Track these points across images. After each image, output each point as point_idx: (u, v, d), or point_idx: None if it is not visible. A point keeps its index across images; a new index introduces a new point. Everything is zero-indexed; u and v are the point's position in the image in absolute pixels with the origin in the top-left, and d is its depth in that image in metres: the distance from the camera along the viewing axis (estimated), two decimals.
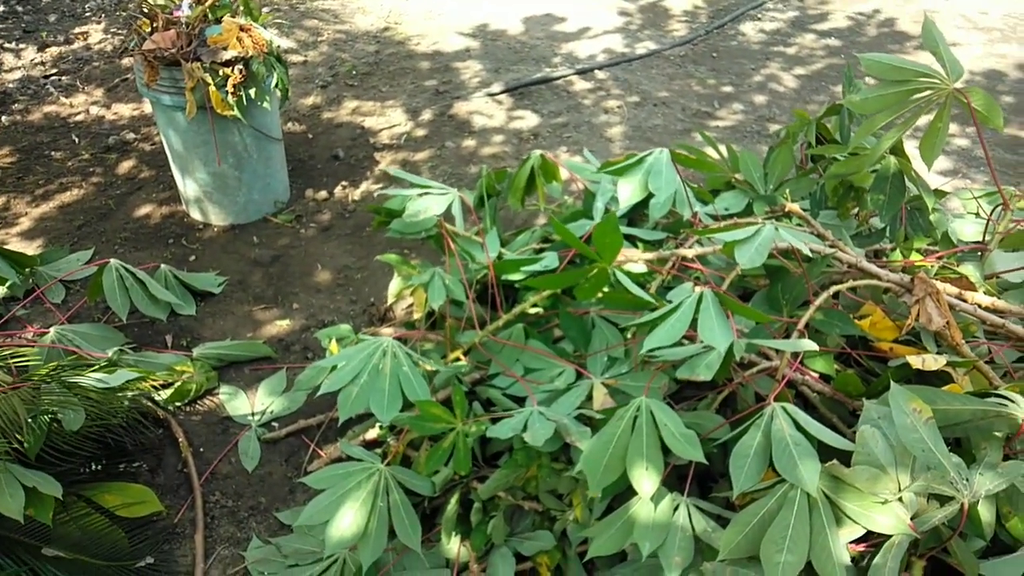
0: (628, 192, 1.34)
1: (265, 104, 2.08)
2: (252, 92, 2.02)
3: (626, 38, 3.51)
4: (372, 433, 1.55)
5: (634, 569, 1.19)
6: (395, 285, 1.82)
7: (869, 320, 1.27)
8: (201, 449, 1.64)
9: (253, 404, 1.73)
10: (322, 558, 1.39)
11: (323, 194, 2.44)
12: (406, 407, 1.30)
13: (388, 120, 2.88)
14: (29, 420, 1.26)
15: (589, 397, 1.34)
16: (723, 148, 1.74)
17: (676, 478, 1.22)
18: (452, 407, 1.26)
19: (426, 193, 1.38)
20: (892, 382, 0.98)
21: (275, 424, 1.69)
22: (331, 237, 2.27)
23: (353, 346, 1.30)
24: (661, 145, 2.62)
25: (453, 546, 1.37)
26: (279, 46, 2.07)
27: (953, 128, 2.75)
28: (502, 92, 3.03)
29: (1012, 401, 1.01)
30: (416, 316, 1.82)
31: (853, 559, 1.01)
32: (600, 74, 3.18)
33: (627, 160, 1.36)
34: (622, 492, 1.21)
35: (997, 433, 1.03)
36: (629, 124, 2.82)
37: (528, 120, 2.86)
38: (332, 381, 1.24)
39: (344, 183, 2.51)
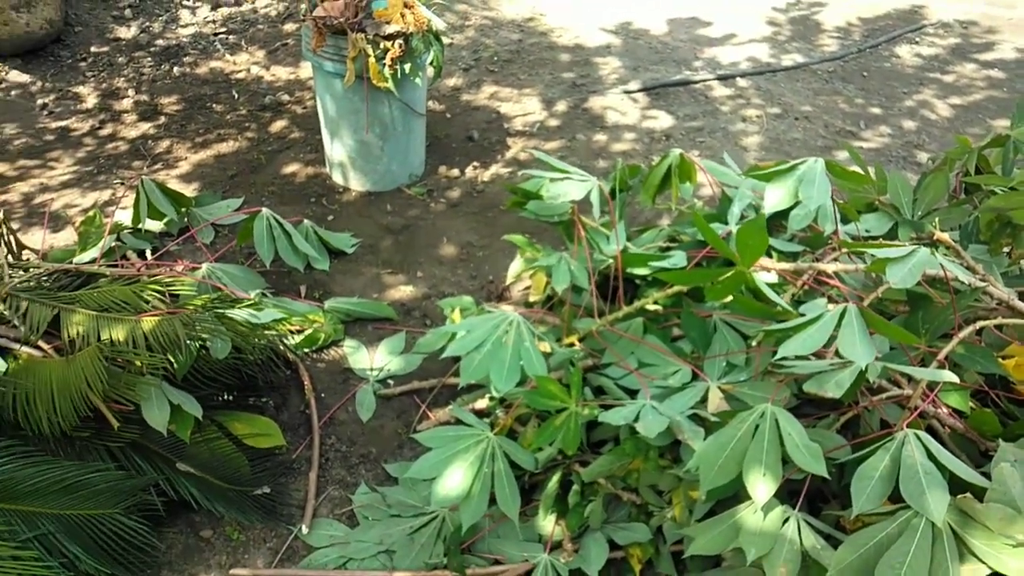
0: (776, 198, 1.32)
1: (417, 80, 2.17)
2: (407, 67, 2.12)
3: (772, 48, 3.41)
4: (481, 403, 1.60)
5: (730, 574, 1.18)
6: (516, 266, 1.87)
7: (1014, 361, 1.21)
8: (323, 395, 1.75)
9: (373, 360, 1.82)
10: (423, 512, 1.46)
11: (455, 172, 2.53)
12: (522, 382, 1.35)
13: (523, 107, 2.93)
14: (186, 343, 1.38)
15: (703, 400, 1.34)
16: (871, 169, 1.69)
17: (787, 493, 1.20)
18: (567, 387, 1.29)
19: (566, 178, 1.41)
20: None
21: (391, 382, 1.78)
22: (458, 213, 2.35)
23: (478, 316, 1.35)
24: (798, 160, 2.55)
25: (548, 523, 1.40)
26: (439, 27, 2.16)
27: None
28: (639, 91, 3.03)
29: None
30: (533, 299, 1.86)
31: None
32: (742, 82, 3.11)
33: (777, 166, 1.34)
34: (725, 498, 1.21)
35: None
36: (767, 135, 2.76)
37: (662, 120, 2.85)
38: (457, 346, 1.30)
39: (476, 163, 2.59)
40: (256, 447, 1.57)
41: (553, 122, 2.84)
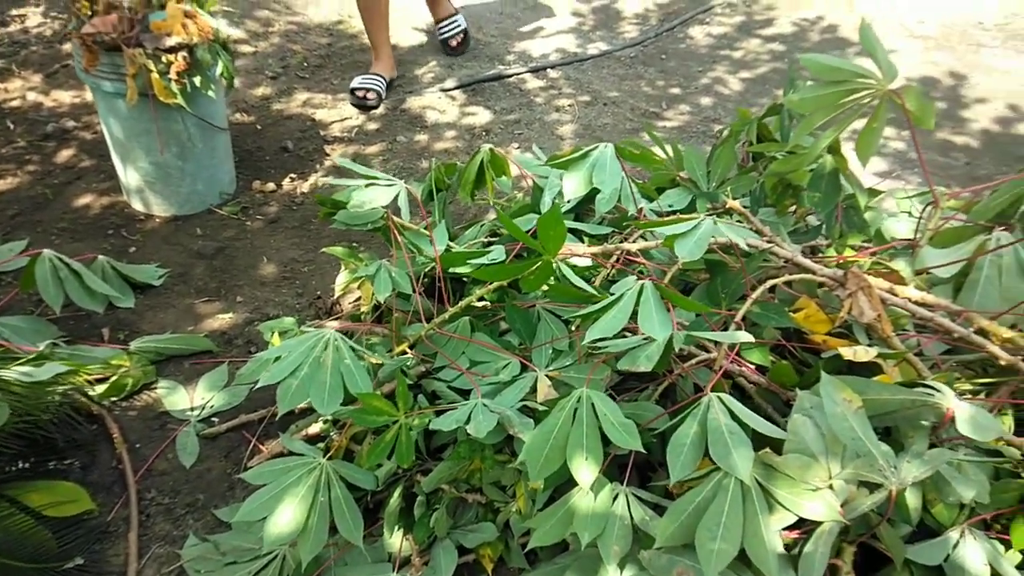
0: (573, 186, 1.35)
1: (210, 93, 2.03)
2: (197, 80, 1.98)
3: (579, 38, 3.53)
4: (315, 428, 1.53)
5: (575, 559, 1.19)
6: (342, 278, 1.80)
7: (804, 313, 1.31)
8: (137, 445, 1.59)
9: (193, 399, 1.68)
10: (260, 555, 1.36)
11: (271, 186, 2.40)
12: (349, 401, 1.29)
13: (340, 113, 2.84)
14: None
15: (534, 389, 1.35)
16: (669, 147, 1.77)
17: (617, 468, 1.23)
18: (395, 400, 1.25)
19: (372, 184, 1.36)
20: (823, 373, 1.00)
21: (215, 419, 1.66)
22: (278, 230, 2.23)
23: (294, 338, 1.28)
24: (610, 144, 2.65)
25: (396, 540, 1.36)
26: (228, 35, 2.02)
27: (890, 132, 2.84)
28: (456, 88, 3.02)
29: (938, 391, 1.05)
30: (364, 310, 1.80)
31: (786, 546, 1.03)
32: (552, 73, 3.19)
33: (573, 154, 1.37)
34: (564, 483, 1.22)
35: (924, 422, 1.07)
36: (580, 122, 2.84)
37: (480, 116, 2.86)
38: (272, 374, 1.22)
39: (292, 175, 2.47)
40: (61, 516, 1.40)
41: (372, 125, 2.78)
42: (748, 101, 3.06)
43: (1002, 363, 1.25)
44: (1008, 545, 1.16)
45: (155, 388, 1.70)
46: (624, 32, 3.63)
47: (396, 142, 2.68)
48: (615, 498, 1.12)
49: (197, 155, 2.16)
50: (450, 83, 3.04)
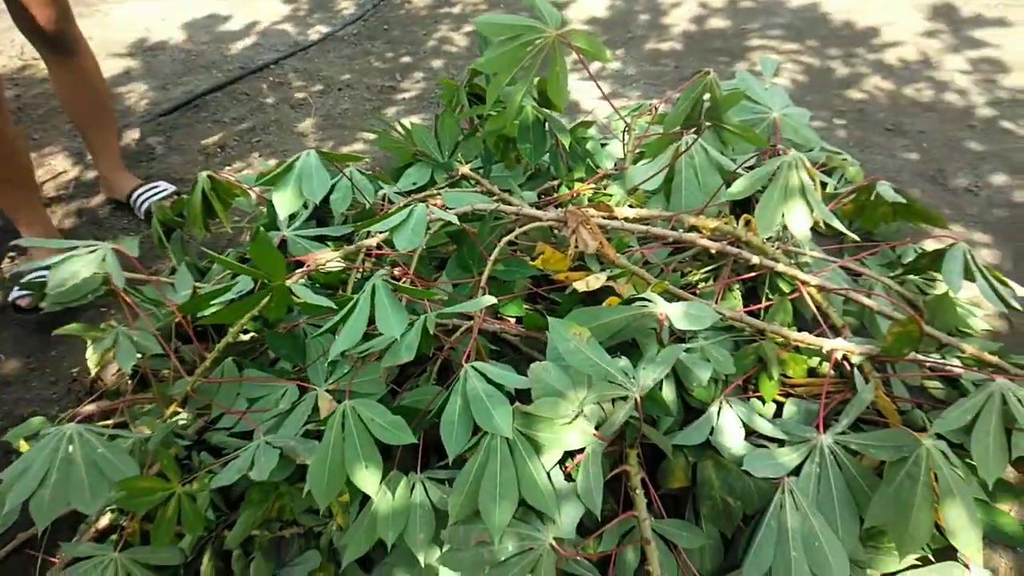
0: (283, 202, 1.32)
1: None
2: None
3: (297, 26, 3.41)
4: (104, 520, 1.41)
5: (398, 555, 1.22)
6: (91, 354, 1.66)
7: (542, 259, 1.39)
8: None
9: None
10: None
11: None
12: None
13: (51, 169, 2.56)
14: None
15: (316, 409, 1.34)
16: (398, 125, 1.78)
17: (413, 455, 1.26)
18: (162, 474, 1.19)
19: (69, 257, 1.25)
20: (550, 318, 1.08)
21: None
22: (6, 324, 1.99)
23: (36, 445, 1.17)
24: (354, 130, 2.62)
25: None
26: None
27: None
28: (175, 109, 2.82)
29: (651, 300, 1.17)
30: (126, 380, 1.68)
31: (570, 477, 1.12)
32: (277, 69, 3.07)
33: (278, 169, 1.34)
34: None
35: (650, 329, 1.20)
36: (318, 114, 2.78)
37: (211, 133, 2.70)
38: (18, 492, 1.11)
39: (12, 254, 2.20)
40: None
41: (91, 174, 2.53)
42: (476, 55, 3.13)
43: (713, 252, 1.42)
44: (764, 401, 1.34)
45: None
46: (342, 10, 3.55)
47: None
48: (412, 488, 1.15)
49: None
50: (167, 105, 2.83)
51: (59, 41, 2.01)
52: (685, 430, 1.26)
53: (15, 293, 1.98)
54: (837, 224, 1.25)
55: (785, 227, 1.39)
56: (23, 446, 1.39)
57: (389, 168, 1.88)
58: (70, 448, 1.15)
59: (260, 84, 2.98)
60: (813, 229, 1.45)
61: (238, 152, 2.59)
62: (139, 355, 1.40)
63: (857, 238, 1.43)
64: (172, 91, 2.93)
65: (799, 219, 1.21)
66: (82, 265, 1.22)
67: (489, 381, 1.08)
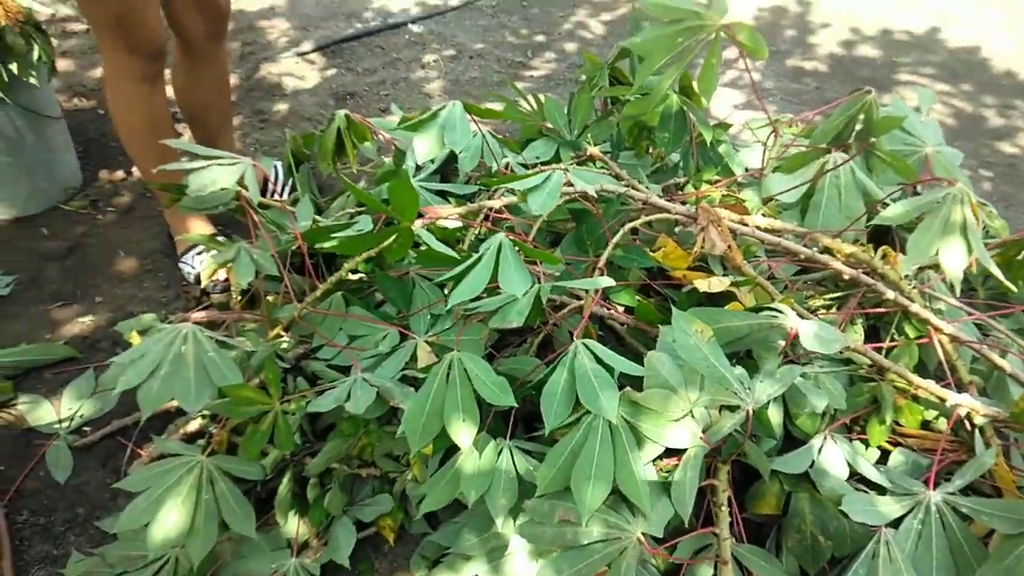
0: (425, 148, 1.33)
1: (32, 80, 1.86)
2: (14, 67, 1.80)
3: None
4: (194, 424, 1.47)
5: (469, 516, 1.22)
6: (208, 264, 1.72)
7: (663, 252, 1.36)
8: (2, 468, 1.49)
9: (59, 411, 1.58)
10: (151, 561, 1.32)
11: (120, 174, 2.24)
12: (223, 393, 1.25)
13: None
14: None
15: (415, 357, 1.35)
16: (531, 98, 1.77)
17: (503, 423, 1.25)
18: (264, 388, 1.22)
19: (211, 165, 1.29)
20: (675, 309, 1.05)
21: (87, 429, 1.56)
22: (133, 220, 2.10)
23: (151, 337, 1.21)
24: (479, 98, 2.63)
25: (292, 526, 1.34)
26: (52, 12, 1.84)
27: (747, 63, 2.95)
28: (313, 51, 2.90)
29: (782, 312, 1.12)
30: (234, 295, 1.73)
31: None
32: (415, 28, 3.11)
33: (422, 115, 1.35)
34: (455, 445, 1.24)
35: (773, 343, 1.15)
36: (447, 78, 2.80)
37: (343, 79, 2.76)
38: (129, 377, 1.16)
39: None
40: None
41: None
42: (611, 44, 3.09)
43: (845, 278, 1.35)
44: (867, 444, 1.27)
45: (15, 405, 1.58)
46: None
47: (254, 114, 2.55)
48: (499, 453, 1.14)
49: (29, 149, 1.98)
50: (307, 46, 2.91)
51: (224, 25, 1.85)
52: (784, 456, 1.20)
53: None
54: (995, 270, 1.16)
55: (922, 268, 1.31)
56: (135, 338, 1.45)
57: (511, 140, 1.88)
58: (183, 347, 1.20)
59: (396, 40, 3.02)
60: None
61: (366, 101, 2.64)
62: (255, 273, 1.43)
63: (1015, 288, 1.33)
64: (312, 33, 3.02)
65: (955, 256, 1.13)
66: (222, 174, 1.26)
67: (599, 361, 1.05)
